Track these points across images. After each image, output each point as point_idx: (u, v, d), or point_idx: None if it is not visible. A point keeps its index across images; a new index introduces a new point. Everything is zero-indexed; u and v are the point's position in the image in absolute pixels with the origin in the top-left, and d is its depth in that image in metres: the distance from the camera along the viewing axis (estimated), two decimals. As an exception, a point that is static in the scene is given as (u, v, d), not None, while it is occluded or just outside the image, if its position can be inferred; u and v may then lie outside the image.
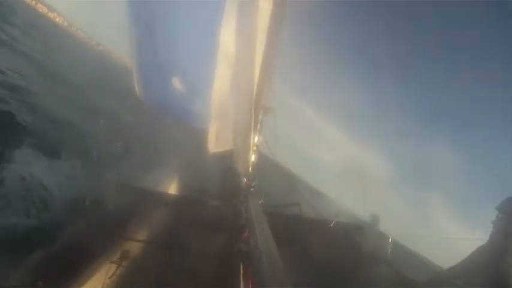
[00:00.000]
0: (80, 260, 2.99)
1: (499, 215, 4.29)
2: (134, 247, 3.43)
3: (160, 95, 5.94)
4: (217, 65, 5.24)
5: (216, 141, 5.51)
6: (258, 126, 4.65)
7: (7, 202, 5.05)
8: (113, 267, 3.07)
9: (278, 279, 2.08)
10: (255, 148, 4.48)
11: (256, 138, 4.40)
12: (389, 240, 6.35)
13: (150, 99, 6.32)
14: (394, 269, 5.58)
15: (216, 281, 3.07)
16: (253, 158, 4.62)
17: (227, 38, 5.01)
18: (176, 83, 5.57)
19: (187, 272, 3.13)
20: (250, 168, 4.37)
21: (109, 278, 2.95)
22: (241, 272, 2.81)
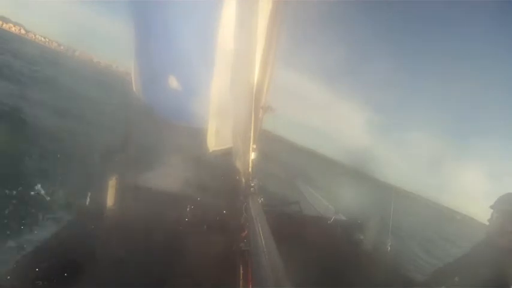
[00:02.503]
0: (80, 260, 2.99)
1: (495, 214, 4.25)
2: (133, 246, 3.43)
3: (159, 94, 5.92)
4: (216, 63, 5.21)
5: (216, 140, 5.50)
6: (258, 125, 4.64)
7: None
8: (113, 267, 3.07)
9: (278, 279, 2.08)
10: (254, 147, 4.47)
11: (255, 137, 4.39)
12: (389, 239, 6.36)
13: (148, 98, 6.30)
14: (394, 266, 5.60)
15: (216, 280, 3.07)
16: (253, 156, 4.61)
17: (226, 36, 4.97)
18: (175, 82, 5.55)
19: (187, 272, 3.13)
20: (250, 167, 4.36)
21: (109, 278, 2.95)
22: (241, 272, 2.82)
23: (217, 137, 5.54)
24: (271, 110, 4.69)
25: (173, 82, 5.62)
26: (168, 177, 5.15)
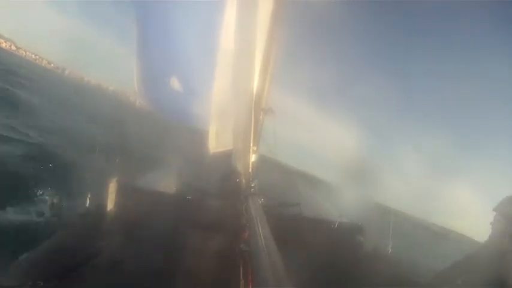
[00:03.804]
0: (80, 259, 2.99)
1: (497, 217, 4.27)
2: (134, 247, 3.43)
3: (161, 95, 5.95)
4: (217, 65, 5.24)
5: (217, 141, 5.51)
6: (258, 127, 4.66)
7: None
8: (115, 267, 3.07)
9: (278, 279, 2.08)
10: (254, 148, 4.49)
11: (255, 139, 4.41)
12: (390, 239, 6.33)
13: (150, 99, 6.33)
14: (395, 269, 5.56)
15: (216, 281, 3.07)
16: (253, 158, 4.63)
17: (227, 38, 5.01)
18: (176, 84, 5.58)
19: (187, 272, 3.13)
20: (250, 168, 4.37)
21: (109, 277, 2.95)
22: (241, 272, 2.81)
23: (218, 139, 5.56)
24: (271, 112, 4.71)
25: (175, 84, 5.65)
26: (169, 178, 5.16)
